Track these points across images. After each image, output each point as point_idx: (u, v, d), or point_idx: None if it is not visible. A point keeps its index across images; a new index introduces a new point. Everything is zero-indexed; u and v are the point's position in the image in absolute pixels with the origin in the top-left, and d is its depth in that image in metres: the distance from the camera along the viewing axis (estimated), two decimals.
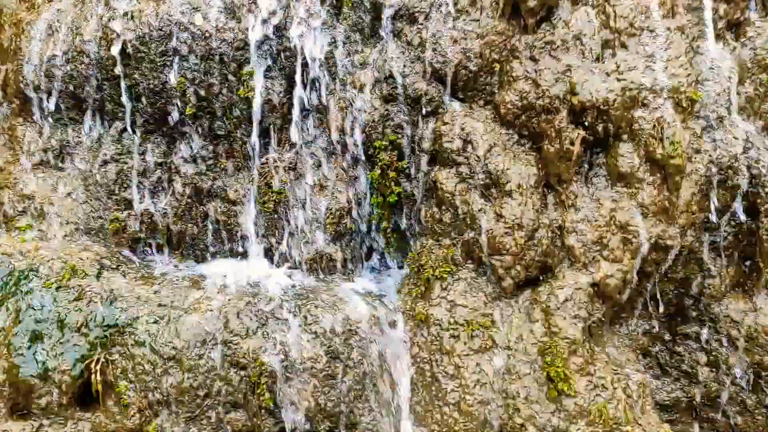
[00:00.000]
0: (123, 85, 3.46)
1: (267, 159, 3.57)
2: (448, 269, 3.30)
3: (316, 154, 3.57)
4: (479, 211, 3.27)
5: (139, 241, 3.58)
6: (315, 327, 3.11)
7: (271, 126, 3.58)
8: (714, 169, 3.23)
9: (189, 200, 3.60)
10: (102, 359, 2.99)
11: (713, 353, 3.46)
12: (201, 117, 3.53)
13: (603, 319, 3.32)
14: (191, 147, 3.57)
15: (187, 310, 3.10)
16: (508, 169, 3.28)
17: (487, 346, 3.18)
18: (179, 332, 3.05)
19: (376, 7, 3.49)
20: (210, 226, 3.63)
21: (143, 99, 3.49)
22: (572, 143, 3.25)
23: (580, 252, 3.24)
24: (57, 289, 3.10)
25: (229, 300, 3.15)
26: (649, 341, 3.58)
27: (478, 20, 3.38)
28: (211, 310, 3.10)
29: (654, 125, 3.17)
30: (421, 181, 3.45)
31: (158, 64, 3.42)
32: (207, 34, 3.41)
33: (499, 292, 3.29)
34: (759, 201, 3.31)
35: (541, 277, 3.32)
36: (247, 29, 3.43)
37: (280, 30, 3.47)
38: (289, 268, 3.51)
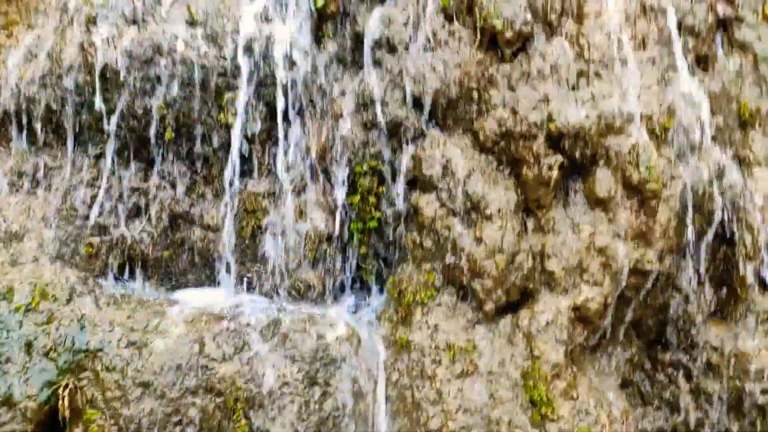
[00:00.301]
0: (102, 110, 3.43)
1: (246, 185, 3.54)
2: (429, 294, 3.27)
3: (296, 181, 3.55)
4: (460, 235, 3.27)
5: (113, 267, 3.49)
6: (293, 351, 3.03)
7: (252, 152, 3.56)
8: (689, 195, 3.28)
9: (165, 226, 3.54)
10: (71, 385, 2.87)
11: (695, 381, 3.44)
12: (180, 143, 3.52)
13: (584, 344, 3.30)
14: (169, 173, 3.54)
15: (161, 335, 3.00)
16: (487, 193, 3.30)
17: (469, 371, 3.12)
18: (152, 357, 2.94)
19: (358, 37, 3.55)
20: (186, 253, 3.55)
21: (122, 124, 3.46)
22: (550, 168, 3.29)
23: (561, 276, 3.24)
24: (26, 312, 2.99)
25: (204, 324, 3.07)
26: (630, 370, 3.56)
27: (458, 51, 3.45)
28: (186, 335, 3.00)
29: (629, 151, 3.24)
30: (401, 206, 3.44)
31: (138, 89, 3.41)
32: (189, 61, 3.42)
33: (480, 317, 3.26)
34: (734, 228, 3.36)
35: (521, 302, 3.30)
36: (228, 57, 3.44)
37: (262, 57, 3.49)
38: (267, 294, 3.44)
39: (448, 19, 3.52)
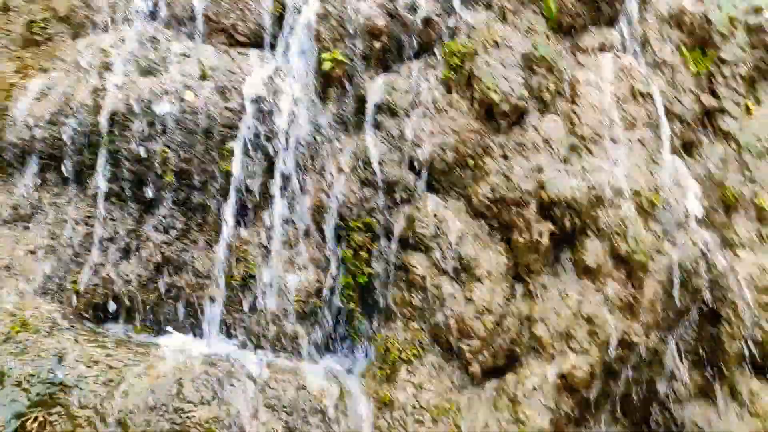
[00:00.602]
0: (104, 151, 3.50)
1: (239, 234, 3.56)
2: (415, 353, 3.24)
3: (290, 234, 3.58)
4: (449, 295, 3.28)
5: (98, 306, 3.44)
6: (274, 401, 2.96)
7: (248, 203, 3.61)
8: (676, 270, 3.34)
9: (154, 270, 3.52)
10: (40, 418, 2.76)
11: None
12: (179, 188, 3.56)
13: (570, 414, 3.24)
14: (164, 217, 3.56)
15: (139, 375, 2.93)
16: (479, 256, 3.34)
17: None
18: (128, 396, 2.86)
19: (360, 100, 3.70)
20: (172, 299, 3.52)
21: (123, 166, 3.52)
22: (541, 235, 3.35)
23: (548, 342, 3.23)
24: (3, 341, 2.92)
25: (185, 367, 3.00)
26: None
27: (455, 119, 3.59)
28: (164, 376, 2.93)
29: (618, 223, 3.32)
30: (392, 263, 3.46)
31: (144, 133, 3.50)
32: (196, 110, 3.53)
33: (465, 380, 3.21)
34: (719, 306, 3.40)
35: (508, 367, 3.27)
36: (234, 108, 3.56)
37: (266, 112, 3.61)
38: (253, 345, 3.39)
39: (448, 89, 3.69)
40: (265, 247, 3.56)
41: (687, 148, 3.72)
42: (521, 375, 3.18)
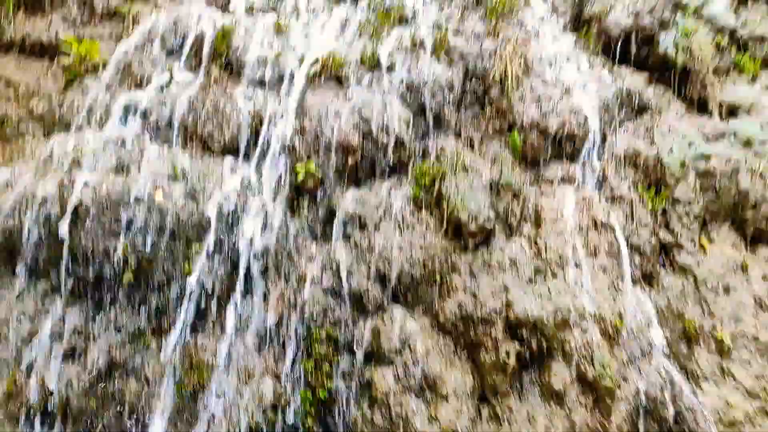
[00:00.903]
0: (66, 246, 3.38)
1: (196, 340, 3.40)
2: None
3: (247, 343, 3.44)
4: (414, 413, 3.14)
5: (32, 411, 3.15)
6: None
7: (208, 309, 3.49)
8: (642, 398, 3.28)
9: (99, 374, 3.29)
10: None
11: None
12: (136, 288, 3.43)
13: None
14: (117, 317, 3.39)
15: None
16: (445, 374, 3.25)
17: None
18: None
19: (331, 212, 3.73)
20: (116, 407, 3.27)
21: (81, 262, 3.40)
22: (508, 355, 3.30)
23: None
24: None
25: None
26: None
27: (424, 236, 3.63)
28: None
29: (584, 346, 3.30)
30: (356, 379, 3.32)
31: (107, 229, 3.42)
32: (164, 210, 3.49)
33: None
34: None
35: None
36: (203, 212, 3.53)
37: (235, 219, 3.59)
38: None
39: (417, 207, 3.76)
40: (221, 355, 3.38)
41: (647, 279, 3.81)
42: None
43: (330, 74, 4.20)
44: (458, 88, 4.33)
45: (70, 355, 3.31)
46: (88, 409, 3.24)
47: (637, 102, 4.54)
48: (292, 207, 3.77)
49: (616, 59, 4.86)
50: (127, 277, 3.38)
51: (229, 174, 3.79)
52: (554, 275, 3.53)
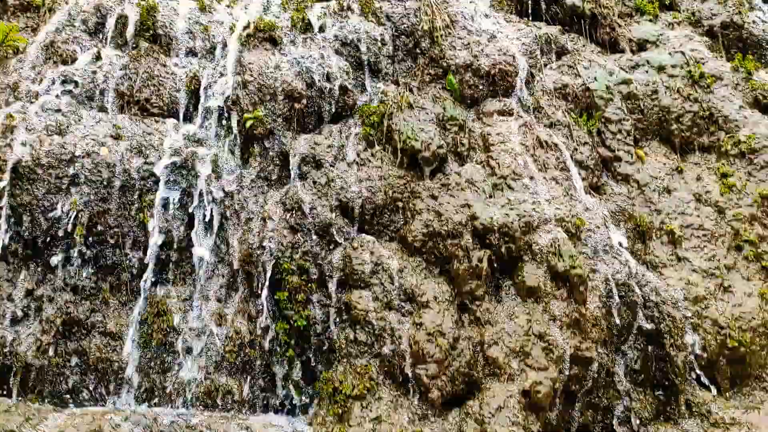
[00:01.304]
0: (6, 205, 3.18)
1: (159, 291, 3.24)
2: (369, 386, 2.94)
3: (215, 287, 3.31)
4: (398, 322, 3.10)
5: None
6: None
7: (169, 259, 3.34)
8: (612, 285, 3.38)
9: (58, 333, 3.06)
10: None
11: None
12: (90, 245, 3.25)
13: None
14: (72, 274, 3.19)
15: (44, 424, 2.42)
16: (422, 284, 3.24)
17: None
18: None
19: (283, 156, 3.70)
20: (79, 365, 3.04)
21: (26, 220, 3.19)
22: (480, 261, 3.33)
23: (505, 362, 3.07)
24: None
25: (103, 416, 2.52)
26: None
27: (380, 167, 3.66)
28: (79, 424, 2.44)
29: (551, 244, 3.38)
30: (332, 304, 3.25)
31: (53, 186, 3.24)
32: (111, 165, 3.36)
33: (426, 410, 2.93)
34: (659, 321, 3.43)
35: (468, 395, 3.03)
36: (152, 164, 3.43)
37: (187, 169, 3.50)
38: (181, 404, 2.93)
39: (369, 144, 3.79)
40: (188, 300, 3.24)
41: (595, 189, 3.98)
42: (484, 397, 2.95)
43: (264, 36, 4.22)
44: (390, 44, 4.45)
45: (23, 317, 3.05)
46: (50, 368, 2.99)
47: (555, 46, 4.81)
48: (244, 156, 3.70)
49: (530, 17, 5.15)
50: (79, 231, 3.20)
51: (173, 131, 3.70)
52: (511, 188, 3.63)
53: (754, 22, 5.17)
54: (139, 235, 3.30)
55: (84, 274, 3.20)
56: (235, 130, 3.74)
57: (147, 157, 3.46)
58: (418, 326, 3.05)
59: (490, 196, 3.60)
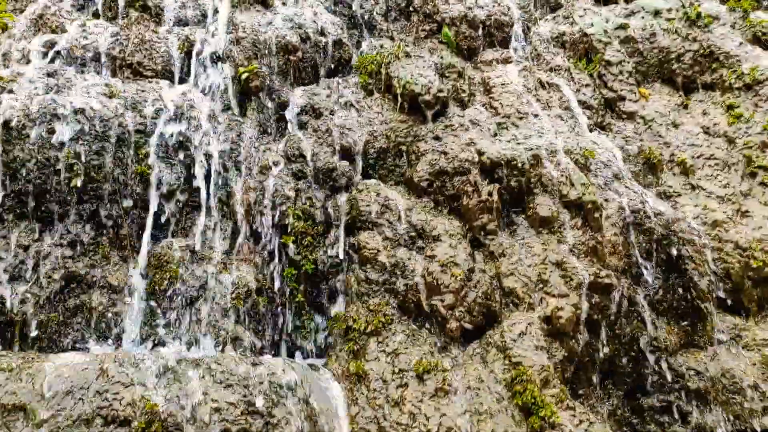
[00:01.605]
0: None
1: (161, 244, 3.13)
2: (384, 321, 2.82)
3: (219, 239, 3.20)
4: (409, 258, 2.98)
5: None
6: (225, 376, 2.39)
7: (168, 214, 3.23)
8: (627, 213, 3.28)
9: (57, 289, 2.94)
10: None
11: (688, 419, 3.01)
12: (87, 200, 3.14)
13: (565, 368, 2.86)
14: (69, 230, 3.08)
15: (50, 362, 2.29)
16: (432, 220, 3.13)
17: (445, 390, 2.56)
18: (34, 380, 2.20)
19: (281, 107, 3.61)
20: (81, 321, 2.92)
21: (21, 176, 3.08)
22: (490, 194, 3.23)
23: (523, 292, 2.95)
24: None
25: (107, 355, 2.40)
26: (615, 427, 3.07)
27: (381, 113, 3.57)
28: (82, 363, 2.31)
29: (561, 174, 3.28)
30: (340, 246, 3.14)
31: (46, 140, 3.14)
32: (105, 118, 3.26)
33: (445, 341, 2.80)
34: (679, 248, 3.33)
35: (487, 327, 2.91)
36: (147, 116, 3.34)
37: (185, 121, 3.41)
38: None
39: (368, 92, 3.71)
40: (194, 252, 3.12)
41: (601, 128, 3.89)
42: (505, 326, 2.83)
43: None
44: (383, 3, 4.39)
45: (18, 274, 2.93)
46: (51, 323, 2.86)
47: (549, 1, 4.76)
48: (242, 111, 3.61)
49: None
50: (75, 183, 3.09)
51: (168, 89, 3.61)
52: (516, 126, 3.54)
53: None
54: (137, 188, 3.18)
55: (81, 230, 3.08)
56: (230, 84, 3.65)
57: (141, 111, 3.36)
58: (431, 259, 2.94)
59: (495, 135, 3.51)
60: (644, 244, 3.28)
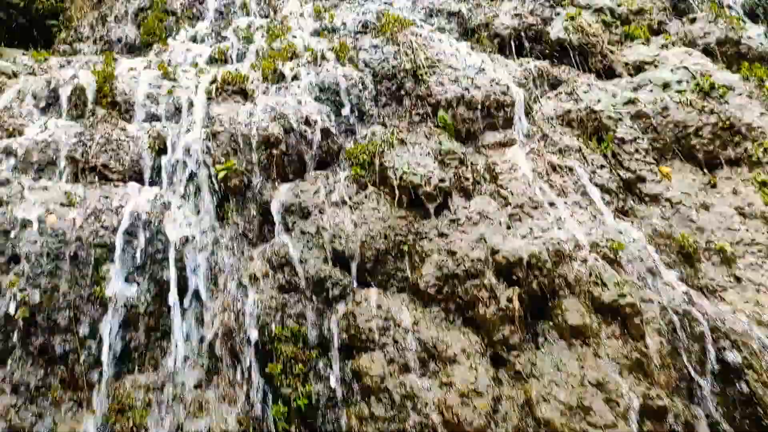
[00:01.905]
0: None
1: (123, 381, 2.62)
2: None
3: (192, 373, 2.70)
4: (421, 388, 2.49)
5: None
6: None
7: (133, 342, 2.74)
8: (671, 315, 2.82)
9: None
10: None
11: None
12: (36, 331, 2.65)
13: None
14: (14, 373, 2.57)
15: None
16: (444, 337, 2.65)
17: None
18: None
19: (264, 209, 3.20)
20: None
21: None
22: (510, 301, 2.77)
23: (562, 424, 2.44)
24: None
25: None
26: None
27: (376, 208, 3.16)
28: None
29: (590, 273, 2.84)
30: (334, 374, 2.64)
31: None
32: (60, 233, 2.82)
33: None
34: (736, 353, 2.85)
35: None
36: (109, 227, 2.90)
37: (154, 233, 2.97)
38: None
39: (361, 186, 3.31)
40: (160, 390, 2.61)
41: (623, 213, 3.47)
42: None
43: (233, 89, 3.81)
44: (372, 87, 4.07)
45: None
46: None
47: (548, 78, 4.47)
48: (219, 214, 3.18)
49: (514, 56, 4.85)
50: (22, 313, 2.60)
51: (137, 193, 3.19)
52: (531, 216, 3.13)
53: (749, 37, 4.89)
54: (96, 314, 2.70)
55: (29, 370, 2.57)
56: (206, 185, 3.23)
57: (103, 222, 2.92)
58: (448, 387, 2.44)
59: (508, 228, 3.08)
60: (695, 353, 2.79)
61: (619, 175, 3.67)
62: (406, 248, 3.03)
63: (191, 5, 5.63)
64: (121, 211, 2.98)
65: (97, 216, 2.96)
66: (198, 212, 3.15)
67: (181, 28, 5.36)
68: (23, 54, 5.51)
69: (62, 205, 3.00)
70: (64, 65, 4.73)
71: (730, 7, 5.24)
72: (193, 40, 5.31)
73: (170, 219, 3.05)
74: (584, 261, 2.89)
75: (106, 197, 3.10)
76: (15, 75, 4.37)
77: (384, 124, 3.87)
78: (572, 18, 4.87)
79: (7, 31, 5.89)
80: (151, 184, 3.40)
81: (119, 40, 5.44)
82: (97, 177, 3.34)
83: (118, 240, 2.84)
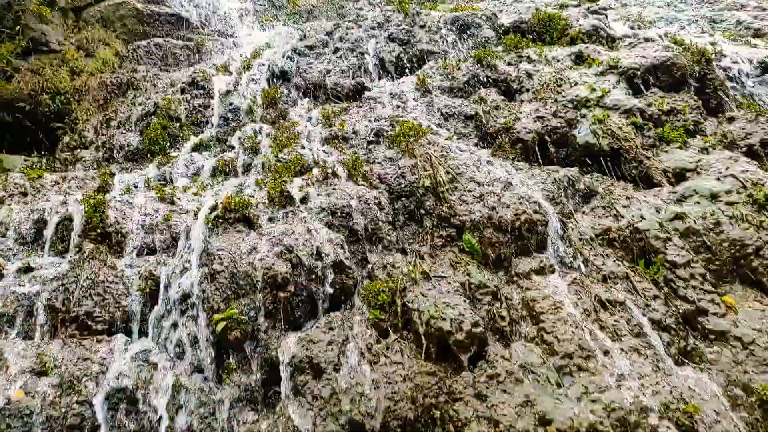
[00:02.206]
0: None
1: None
2: None
3: None
4: None
5: None
6: None
7: None
8: None
9: None
10: None
11: None
12: None
13: None
14: None
15: None
16: None
17: None
18: None
19: (270, 365, 2.74)
20: None
21: None
22: None
23: None
24: None
25: None
26: None
27: (401, 362, 2.69)
28: None
29: None
30: None
31: None
32: (27, 412, 2.37)
33: None
34: None
35: None
36: (87, 402, 2.44)
37: (139, 404, 2.51)
38: None
39: (382, 332, 2.86)
40: None
41: (687, 356, 2.98)
42: None
43: (236, 216, 3.43)
44: (389, 208, 3.69)
45: None
46: None
47: (581, 188, 4.08)
48: (218, 373, 2.72)
49: (540, 162, 4.51)
50: None
51: (121, 351, 2.75)
52: (583, 369, 2.64)
53: None
54: None
55: None
56: (203, 337, 2.79)
57: (79, 394, 2.47)
58: None
59: (558, 385, 2.59)
60: None
61: (675, 307, 3.20)
62: (437, 413, 2.54)
63: (196, 111, 5.38)
64: (101, 378, 2.52)
65: (72, 386, 2.50)
66: (193, 371, 2.68)
67: (185, 137, 5.09)
68: (25, 159, 5.25)
69: (34, 373, 2.55)
70: (59, 182, 4.43)
71: None
72: (197, 147, 5.02)
73: (158, 384, 2.59)
74: (655, 430, 2.38)
75: (85, 359, 2.66)
76: (1, 201, 4.03)
77: (404, 251, 3.46)
78: (600, 121, 4.53)
79: (12, 135, 5.69)
80: (141, 333, 2.97)
81: (122, 147, 5.16)
82: (78, 329, 2.92)
83: (102, 415, 2.37)
